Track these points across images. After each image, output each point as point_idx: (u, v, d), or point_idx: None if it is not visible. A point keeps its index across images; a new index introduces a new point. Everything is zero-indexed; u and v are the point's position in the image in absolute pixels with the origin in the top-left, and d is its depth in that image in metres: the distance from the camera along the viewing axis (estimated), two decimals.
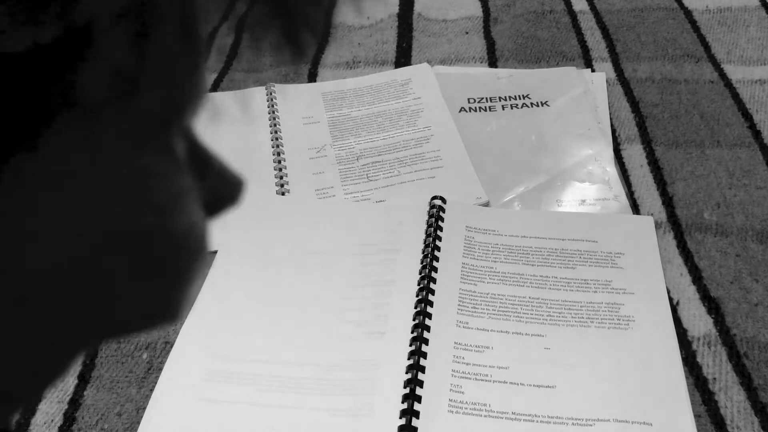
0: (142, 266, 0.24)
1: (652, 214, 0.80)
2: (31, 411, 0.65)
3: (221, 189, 0.29)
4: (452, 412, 0.61)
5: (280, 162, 0.90)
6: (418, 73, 1.04)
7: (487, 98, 0.98)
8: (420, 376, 0.63)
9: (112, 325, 0.26)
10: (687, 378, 0.63)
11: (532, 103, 0.97)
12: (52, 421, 0.64)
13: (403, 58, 1.08)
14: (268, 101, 0.99)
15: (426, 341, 0.66)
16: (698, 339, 0.67)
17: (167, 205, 0.24)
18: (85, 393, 0.66)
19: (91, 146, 0.21)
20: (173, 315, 0.27)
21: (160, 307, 0.26)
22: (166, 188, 0.24)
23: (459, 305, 0.70)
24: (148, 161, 0.23)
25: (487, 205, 0.83)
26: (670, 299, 0.70)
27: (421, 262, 0.74)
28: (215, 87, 1.04)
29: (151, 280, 0.25)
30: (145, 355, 0.69)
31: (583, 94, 0.97)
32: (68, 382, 0.67)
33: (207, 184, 0.27)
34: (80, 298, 0.23)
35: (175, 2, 0.22)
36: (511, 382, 0.64)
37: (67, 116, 0.20)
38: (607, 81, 1.00)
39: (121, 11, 0.20)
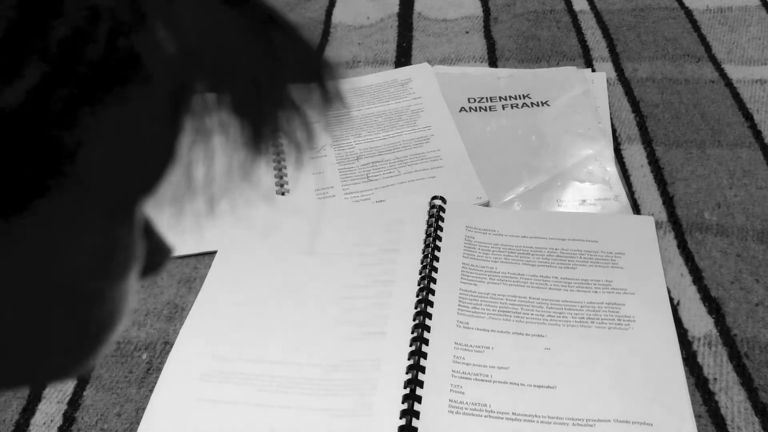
0: (71, 325, 0.25)
1: (652, 214, 0.80)
2: (30, 411, 0.65)
3: (153, 255, 0.29)
4: (452, 412, 0.61)
5: (279, 162, 0.90)
6: (418, 72, 1.04)
7: (487, 98, 0.98)
8: (420, 376, 0.63)
9: (41, 376, 0.28)
10: (687, 378, 0.63)
11: (532, 103, 0.97)
12: (52, 421, 0.64)
13: (403, 57, 1.08)
14: None
15: (426, 341, 0.66)
16: (699, 339, 0.67)
17: (118, 273, 0.26)
18: (84, 393, 0.66)
19: (74, 210, 0.22)
20: (89, 368, 0.29)
21: (75, 362, 0.28)
22: (124, 257, 0.25)
23: (459, 305, 0.70)
24: (118, 231, 0.25)
25: (487, 205, 0.83)
26: (671, 299, 0.70)
27: (422, 262, 0.74)
28: None
29: (76, 338, 0.26)
30: (144, 356, 0.68)
31: (584, 93, 0.97)
32: (67, 383, 0.66)
33: (144, 251, 0.28)
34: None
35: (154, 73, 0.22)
36: (511, 383, 0.63)
37: (58, 183, 0.21)
38: (607, 81, 1.00)
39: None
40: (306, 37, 0.25)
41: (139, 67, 0.21)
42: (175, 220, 0.25)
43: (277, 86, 0.24)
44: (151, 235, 0.29)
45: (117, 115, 0.21)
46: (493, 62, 1.06)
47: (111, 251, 0.25)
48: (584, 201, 0.83)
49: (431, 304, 0.70)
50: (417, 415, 0.60)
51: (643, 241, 0.76)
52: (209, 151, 0.24)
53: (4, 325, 0.23)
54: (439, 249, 0.75)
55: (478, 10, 1.17)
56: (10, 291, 0.22)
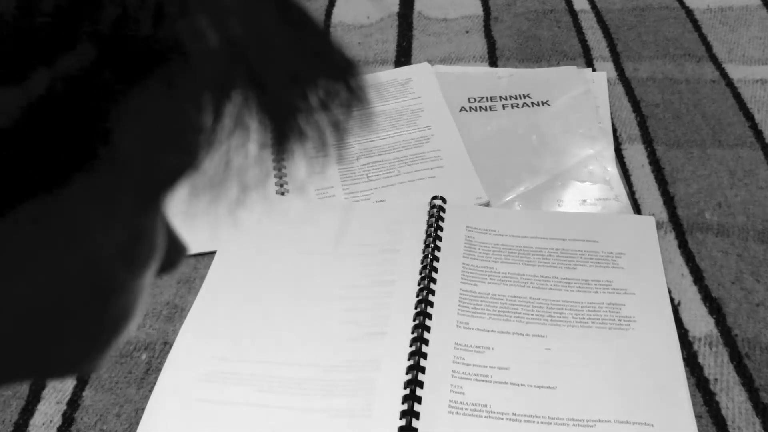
0: (91, 317, 0.25)
1: (653, 214, 0.79)
2: (29, 412, 0.64)
3: (169, 252, 0.29)
4: (452, 413, 0.61)
5: (280, 162, 0.89)
6: (418, 72, 1.04)
7: (487, 98, 0.98)
8: (420, 376, 0.63)
9: (50, 371, 0.27)
10: (688, 379, 0.63)
11: (532, 103, 0.97)
12: (51, 422, 0.64)
13: (403, 57, 1.08)
14: None
15: (426, 342, 0.66)
16: (699, 339, 0.67)
17: (142, 264, 0.25)
18: (83, 394, 0.66)
19: (102, 196, 0.22)
20: (98, 366, 0.28)
21: (91, 359, 0.27)
22: (148, 248, 0.25)
23: (459, 305, 0.70)
24: (144, 220, 0.24)
25: (487, 205, 0.83)
26: (671, 299, 0.70)
27: (422, 262, 0.74)
28: None
29: (93, 331, 0.26)
30: (144, 356, 0.68)
31: (584, 93, 0.97)
32: (67, 383, 0.66)
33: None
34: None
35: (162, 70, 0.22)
36: (511, 383, 0.63)
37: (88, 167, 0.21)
38: (608, 80, 0.99)
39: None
40: (334, 38, 0.25)
41: (181, 52, 0.21)
42: (210, 209, 0.24)
43: (311, 84, 0.24)
44: (170, 232, 0.29)
45: (155, 98, 0.21)
46: (493, 62, 1.05)
47: (136, 241, 0.25)
48: (585, 201, 0.83)
49: (431, 304, 0.69)
50: (417, 415, 0.60)
51: (643, 241, 0.76)
52: (246, 142, 0.24)
53: (20, 312, 0.23)
54: (439, 249, 0.75)
55: (478, 10, 1.17)
56: (32, 273, 0.22)
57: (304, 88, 0.24)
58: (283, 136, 0.24)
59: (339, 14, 1.18)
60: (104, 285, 0.24)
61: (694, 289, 0.72)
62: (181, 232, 0.29)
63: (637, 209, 0.81)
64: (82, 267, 0.23)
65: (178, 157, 0.24)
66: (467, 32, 1.12)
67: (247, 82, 0.23)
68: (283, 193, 0.86)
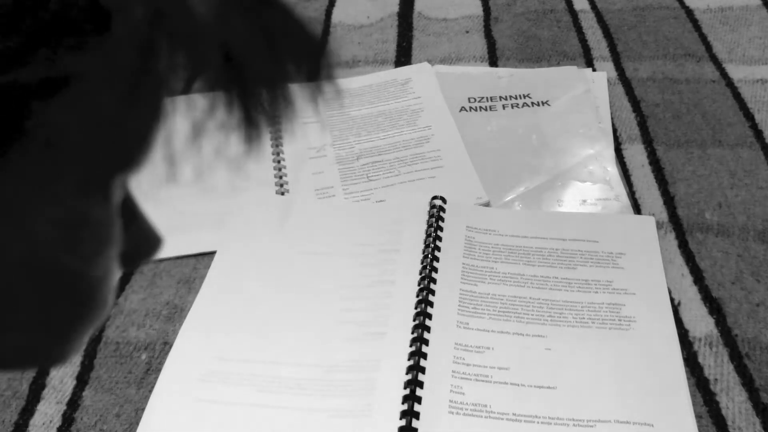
0: (41, 304, 0.24)
1: (653, 214, 0.79)
2: (29, 412, 0.64)
3: (141, 244, 0.29)
4: (452, 413, 0.61)
5: (279, 162, 0.89)
6: (418, 72, 1.04)
7: (487, 98, 0.98)
8: (420, 376, 0.63)
9: (4, 361, 0.26)
10: (688, 379, 0.63)
11: (532, 103, 0.97)
12: (51, 422, 0.64)
13: (403, 57, 1.08)
14: None
15: (426, 342, 0.66)
16: (699, 339, 0.67)
17: (90, 251, 0.25)
18: (83, 394, 0.66)
19: (39, 179, 0.21)
20: (64, 358, 0.27)
21: (53, 349, 0.27)
22: (94, 234, 0.25)
23: (459, 306, 0.70)
24: (88, 206, 0.24)
25: (487, 205, 0.83)
26: (672, 300, 0.70)
27: (422, 262, 0.74)
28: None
29: (46, 319, 0.25)
30: (143, 356, 0.68)
31: (584, 93, 0.97)
32: (67, 383, 0.66)
33: (129, 237, 0.27)
34: None
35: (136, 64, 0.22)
36: (511, 383, 0.63)
37: (19, 147, 0.20)
38: (608, 80, 0.99)
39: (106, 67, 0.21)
40: (310, 32, 0.25)
41: (105, 21, 0.20)
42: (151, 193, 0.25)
43: (270, 71, 0.24)
44: (138, 222, 0.28)
45: (90, 78, 0.21)
46: (493, 62, 1.05)
47: (79, 226, 0.24)
48: (585, 201, 0.83)
49: (431, 304, 0.69)
50: (417, 415, 0.60)
51: (643, 242, 0.76)
52: (196, 129, 0.23)
53: None
54: (439, 249, 0.75)
55: (478, 10, 1.17)
56: None
57: (260, 75, 0.24)
58: (250, 118, 0.23)
59: (339, 14, 1.18)
60: (47, 269, 0.24)
61: (694, 289, 0.72)
62: (159, 225, 0.29)
63: (637, 209, 0.81)
64: (22, 248, 0.23)
65: (121, 144, 0.23)
66: (467, 32, 1.12)
67: (195, 65, 0.23)
68: (283, 193, 0.86)
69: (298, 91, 0.24)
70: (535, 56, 1.06)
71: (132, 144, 0.24)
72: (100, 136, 0.22)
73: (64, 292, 0.25)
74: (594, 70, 1.02)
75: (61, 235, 0.23)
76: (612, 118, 0.93)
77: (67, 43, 0.20)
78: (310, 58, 0.25)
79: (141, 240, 0.29)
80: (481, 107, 0.97)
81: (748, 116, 0.92)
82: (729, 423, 0.61)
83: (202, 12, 0.22)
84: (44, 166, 0.21)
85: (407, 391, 0.62)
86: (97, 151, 0.23)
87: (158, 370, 0.66)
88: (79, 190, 0.23)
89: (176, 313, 0.72)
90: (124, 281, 0.75)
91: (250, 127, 0.24)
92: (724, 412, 0.61)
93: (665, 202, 0.81)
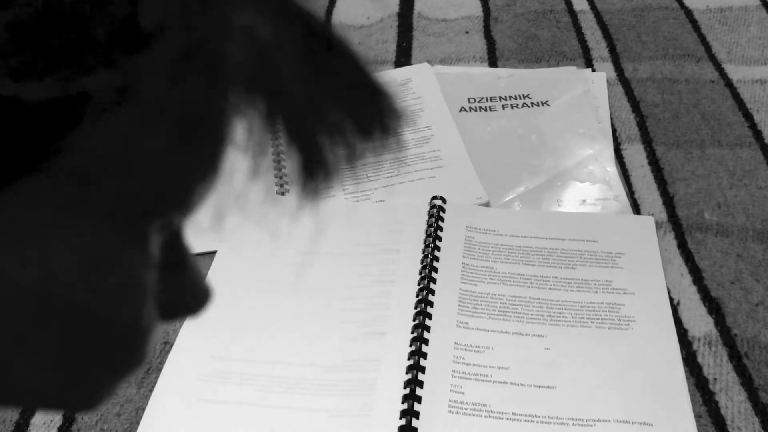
0: (71, 347, 0.23)
1: (652, 214, 0.79)
2: (30, 412, 0.64)
3: (186, 296, 0.27)
4: (452, 412, 0.61)
5: (279, 162, 0.89)
6: (418, 72, 1.04)
7: (487, 98, 0.98)
8: (420, 376, 0.63)
9: (22, 397, 0.24)
10: (687, 378, 0.63)
11: (532, 103, 0.97)
12: (51, 421, 0.64)
13: (403, 57, 1.08)
14: None
15: (426, 341, 0.66)
16: (699, 339, 0.67)
17: (116, 293, 0.23)
18: None
19: (60, 206, 0.20)
20: (88, 405, 0.25)
21: (76, 394, 0.25)
22: (121, 276, 0.23)
23: (459, 305, 0.70)
24: (115, 244, 0.22)
25: (487, 205, 0.83)
26: (671, 299, 0.70)
27: (421, 262, 0.74)
28: None
29: (76, 365, 0.23)
30: None
31: (584, 93, 0.97)
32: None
33: (172, 287, 0.26)
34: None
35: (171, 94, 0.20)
36: (511, 383, 0.63)
37: (42, 175, 0.19)
38: (607, 81, 0.99)
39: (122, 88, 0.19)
40: (373, 73, 0.23)
41: (140, 42, 0.19)
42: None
43: (328, 116, 0.22)
44: (185, 273, 0.26)
45: (127, 103, 0.19)
46: (493, 62, 1.06)
47: (100, 262, 0.22)
48: (584, 201, 0.83)
49: (431, 304, 0.69)
50: (417, 415, 0.60)
51: (643, 241, 0.76)
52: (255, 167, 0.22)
53: None
54: (439, 249, 0.75)
55: (478, 10, 1.17)
56: None
57: (331, 117, 0.22)
58: (309, 170, 0.22)
59: (339, 14, 1.18)
60: (62, 304, 0.21)
61: (693, 288, 0.72)
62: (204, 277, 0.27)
63: (636, 209, 0.81)
64: (35, 277, 0.21)
65: (162, 186, 0.21)
66: (467, 32, 1.12)
67: (273, 104, 0.21)
68: (283, 193, 0.86)
69: (359, 144, 0.23)
70: (534, 57, 1.06)
71: (176, 189, 0.22)
72: (134, 171, 0.21)
73: (85, 334, 0.23)
74: (593, 70, 1.02)
75: (78, 268, 0.21)
76: (611, 119, 0.93)
77: (88, 62, 0.18)
78: (377, 115, 0.23)
79: (186, 292, 0.27)
80: (480, 107, 0.97)
81: (747, 116, 0.92)
82: (728, 422, 0.61)
83: (263, 40, 0.20)
84: (68, 194, 0.20)
85: (407, 391, 0.62)
86: (129, 186, 0.21)
87: (158, 370, 0.66)
88: (106, 225, 0.21)
89: None
90: None
91: (308, 178, 0.22)
92: (723, 411, 0.62)
93: (664, 202, 0.81)
